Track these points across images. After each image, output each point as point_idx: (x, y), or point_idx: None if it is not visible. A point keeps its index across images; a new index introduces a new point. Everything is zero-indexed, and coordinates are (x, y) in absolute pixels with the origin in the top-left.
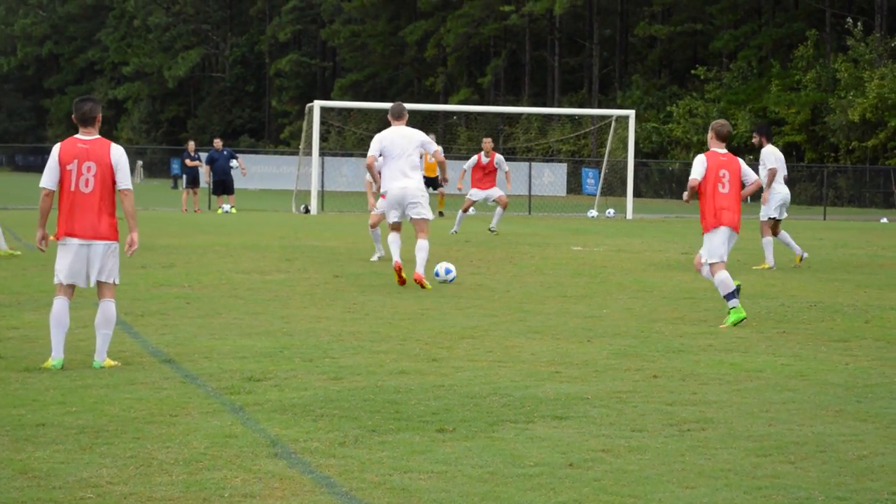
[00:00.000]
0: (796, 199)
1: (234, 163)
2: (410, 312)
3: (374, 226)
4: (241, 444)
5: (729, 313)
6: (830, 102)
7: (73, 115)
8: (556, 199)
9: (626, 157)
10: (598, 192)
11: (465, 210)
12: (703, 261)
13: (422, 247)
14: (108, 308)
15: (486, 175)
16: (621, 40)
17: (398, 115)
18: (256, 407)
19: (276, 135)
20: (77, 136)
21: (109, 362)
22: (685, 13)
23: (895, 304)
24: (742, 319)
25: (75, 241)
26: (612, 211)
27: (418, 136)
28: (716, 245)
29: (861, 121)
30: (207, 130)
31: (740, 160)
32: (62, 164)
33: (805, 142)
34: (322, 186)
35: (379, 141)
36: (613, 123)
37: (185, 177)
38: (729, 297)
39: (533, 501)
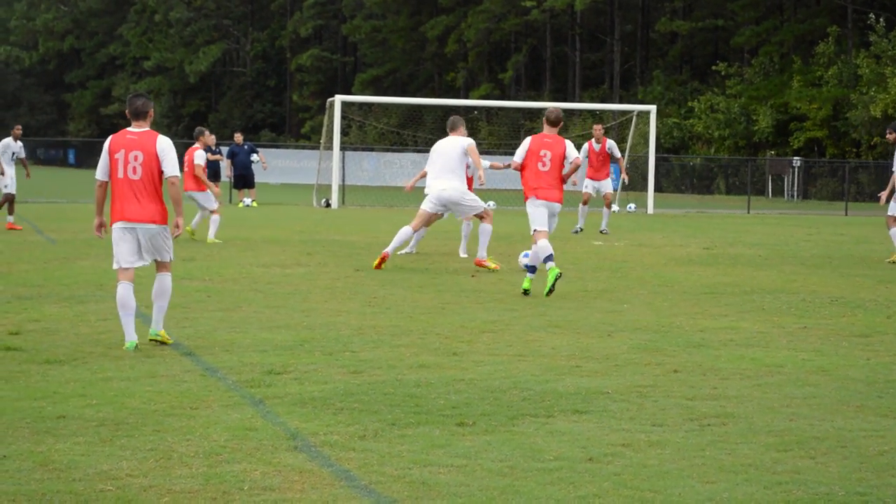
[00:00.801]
0: (817, 195)
1: (254, 157)
2: (431, 306)
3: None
4: (261, 437)
5: (548, 273)
6: (852, 98)
7: (126, 111)
8: (576, 193)
9: (647, 152)
10: (619, 187)
11: (585, 203)
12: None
13: (484, 230)
14: (163, 280)
15: (601, 164)
16: (642, 36)
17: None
18: (276, 400)
19: (297, 129)
20: (128, 129)
21: (164, 335)
22: (706, 9)
23: None
24: (558, 275)
25: (127, 224)
26: (633, 206)
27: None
28: (536, 216)
29: (883, 116)
30: (228, 125)
31: (568, 143)
32: (111, 153)
33: (826, 137)
34: (343, 181)
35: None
36: (634, 119)
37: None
38: (546, 259)
39: (552, 496)
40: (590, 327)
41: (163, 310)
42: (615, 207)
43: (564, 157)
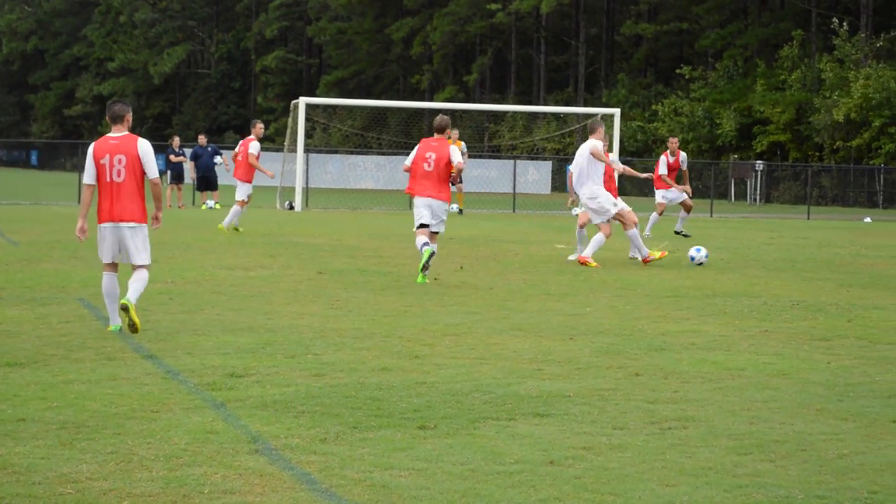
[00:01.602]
0: (780, 199)
1: (217, 159)
2: (393, 309)
3: (581, 226)
4: (222, 441)
5: (423, 253)
6: (815, 102)
7: (106, 115)
8: (540, 196)
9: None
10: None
11: (660, 214)
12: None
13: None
14: (141, 272)
15: (674, 174)
16: (607, 39)
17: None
18: (238, 403)
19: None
20: (109, 134)
21: (133, 310)
22: (671, 12)
23: (878, 303)
24: (431, 254)
25: (113, 224)
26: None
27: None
28: (417, 212)
29: (846, 120)
30: (192, 126)
31: (452, 148)
32: (96, 159)
33: (790, 141)
34: (307, 183)
35: None
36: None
37: (169, 173)
38: (422, 246)
39: (513, 499)
40: (552, 330)
41: (139, 291)
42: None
43: (449, 160)
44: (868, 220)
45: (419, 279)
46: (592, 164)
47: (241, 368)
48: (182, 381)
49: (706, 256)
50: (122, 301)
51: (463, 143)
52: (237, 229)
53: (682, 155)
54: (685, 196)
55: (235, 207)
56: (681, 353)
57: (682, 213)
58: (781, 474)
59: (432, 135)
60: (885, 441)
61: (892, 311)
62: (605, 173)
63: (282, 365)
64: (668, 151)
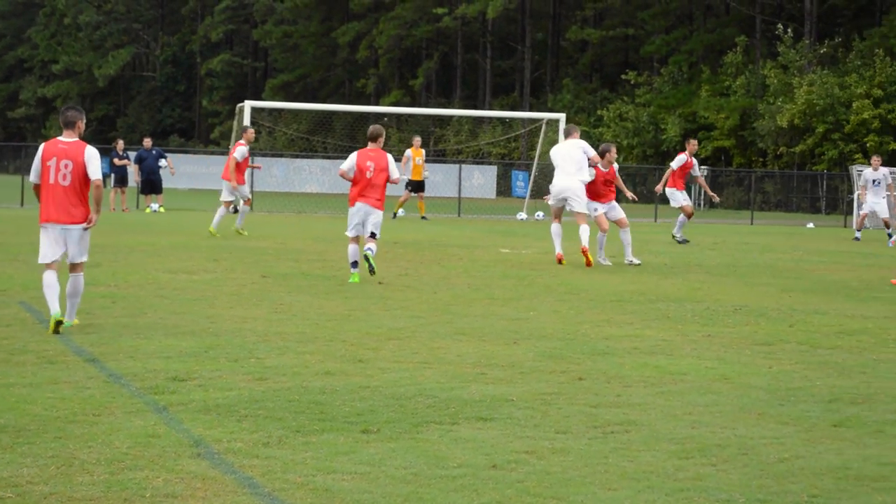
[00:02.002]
0: (724, 204)
1: (162, 162)
2: (337, 313)
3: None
4: (164, 444)
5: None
6: (759, 108)
7: (59, 120)
8: (485, 201)
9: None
10: (528, 195)
11: (690, 217)
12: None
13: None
14: (77, 280)
15: (684, 177)
16: (553, 44)
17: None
18: (180, 407)
19: (207, 134)
20: (60, 138)
21: (76, 321)
22: (617, 18)
23: (819, 308)
24: (369, 267)
25: (54, 226)
26: (541, 214)
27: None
28: (350, 220)
29: (789, 126)
30: (137, 129)
31: (389, 157)
32: (44, 160)
33: (734, 147)
34: (252, 186)
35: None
36: (544, 126)
37: (113, 176)
38: (353, 265)
39: (456, 503)
40: (495, 335)
41: (76, 305)
42: (522, 215)
43: (386, 168)
44: (811, 225)
45: (354, 279)
46: (581, 163)
47: (183, 372)
48: (124, 384)
49: None
50: (66, 324)
51: (423, 151)
52: (241, 232)
53: (696, 161)
54: (687, 201)
55: (222, 209)
56: (624, 357)
57: (682, 217)
58: (722, 478)
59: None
60: (824, 445)
61: (833, 316)
62: (600, 179)
63: (224, 369)
64: (687, 152)
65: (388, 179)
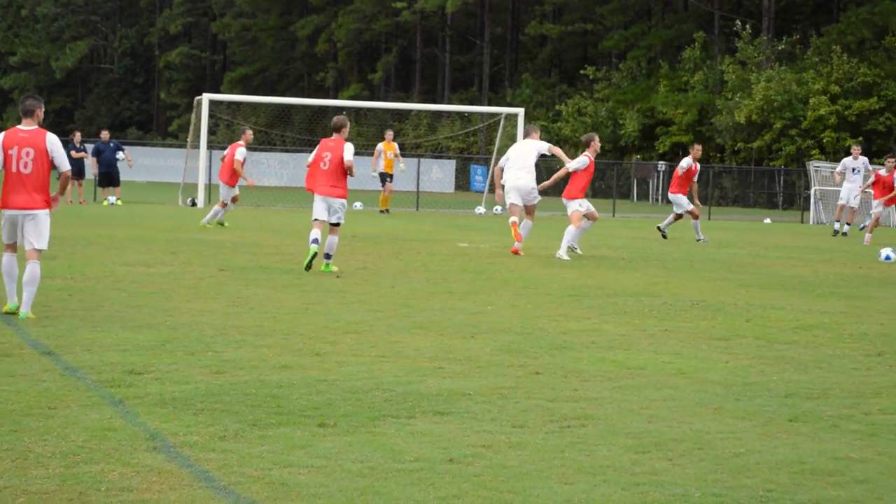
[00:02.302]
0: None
1: (120, 155)
2: (295, 307)
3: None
4: (120, 438)
5: (309, 251)
6: (717, 104)
7: (18, 108)
8: (444, 195)
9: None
10: (486, 190)
11: (697, 217)
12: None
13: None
14: (34, 268)
15: (689, 182)
16: (512, 38)
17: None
18: (136, 400)
19: (165, 127)
20: (19, 126)
21: (31, 315)
22: (576, 13)
23: (776, 303)
24: (314, 255)
25: (15, 212)
26: (499, 208)
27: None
28: (315, 207)
29: (747, 122)
30: (95, 122)
31: (346, 146)
32: (5, 149)
33: (692, 142)
34: (209, 180)
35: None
36: (503, 121)
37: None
38: (313, 242)
39: (412, 496)
40: (453, 329)
41: (32, 294)
42: (480, 209)
43: (343, 156)
44: (768, 220)
45: (324, 267)
46: (532, 165)
47: (140, 365)
48: (80, 377)
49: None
50: (21, 315)
51: (396, 145)
52: (223, 224)
53: (698, 167)
54: (692, 205)
55: (217, 207)
56: (581, 351)
57: (693, 221)
58: (679, 472)
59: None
60: (780, 440)
61: (789, 311)
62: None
63: (181, 362)
64: (692, 157)
65: (342, 163)
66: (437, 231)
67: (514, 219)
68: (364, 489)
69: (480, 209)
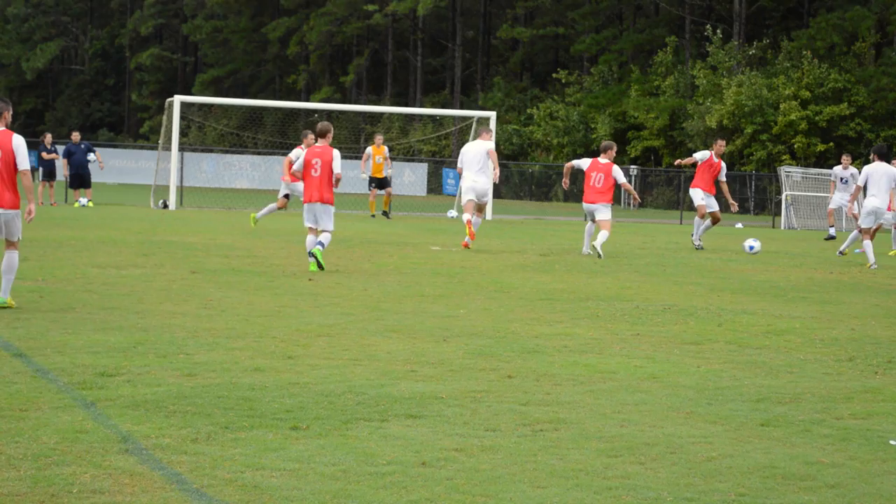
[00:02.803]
0: (653, 203)
1: (91, 156)
2: (267, 309)
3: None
4: (92, 440)
5: (310, 263)
6: (689, 108)
7: None
8: (416, 198)
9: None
10: (458, 193)
11: (703, 217)
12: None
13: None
14: (12, 257)
15: (713, 178)
16: (484, 42)
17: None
18: (108, 402)
19: (136, 129)
20: None
21: (11, 301)
22: (547, 17)
23: (747, 307)
24: (318, 263)
25: None
26: (452, 213)
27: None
28: (307, 217)
29: (718, 127)
30: (66, 123)
31: (335, 152)
32: None
33: (663, 147)
34: (181, 182)
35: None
36: (475, 124)
37: (41, 169)
38: (310, 255)
39: (385, 500)
40: (426, 332)
41: (10, 282)
42: (452, 213)
43: (332, 164)
44: (739, 225)
45: (311, 266)
46: (485, 164)
47: (111, 368)
48: (52, 379)
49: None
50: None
51: (386, 148)
52: (255, 222)
53: (724, 165)
54: (716, 207)
55: (273, 205)
56: (553, 355)
57: (708, 223)
58: (651, 476)
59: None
60: (752, 444)
61: (760, 315)
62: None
63: (153, 364)
64: (714, 152)
65: (331, 168)
66: (409, 234)
67: (467, 216)
68: (337, 492)
69: (452, 213)
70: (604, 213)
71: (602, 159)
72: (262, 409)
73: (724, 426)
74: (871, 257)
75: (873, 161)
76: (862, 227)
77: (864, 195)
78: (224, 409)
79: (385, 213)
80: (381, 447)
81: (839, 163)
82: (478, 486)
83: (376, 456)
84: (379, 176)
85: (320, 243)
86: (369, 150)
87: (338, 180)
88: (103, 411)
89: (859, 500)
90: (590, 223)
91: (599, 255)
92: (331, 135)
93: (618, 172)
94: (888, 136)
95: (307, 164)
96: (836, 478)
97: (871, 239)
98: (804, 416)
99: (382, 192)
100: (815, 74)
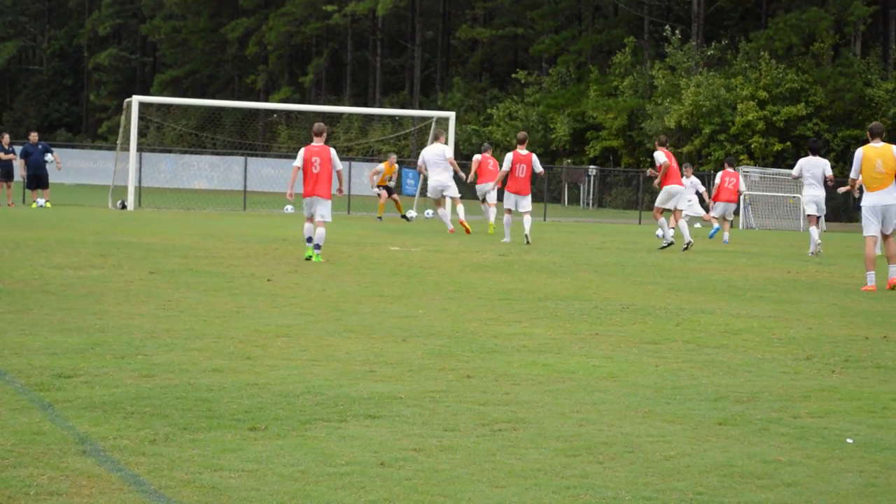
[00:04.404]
0: (612, 203)
1: (48, 157)
2: (225, 310)
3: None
4: (49, 442)
5: (312, 253)
6: (647, 108)
7: None
8: (375, 199)
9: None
10: (417, 193)
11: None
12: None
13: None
14: None
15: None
16: (443, 42)
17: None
18: (66, 404)
19: (94, 129)
20: None
21: None
22: (506, 17)
23: (705, 307)
24: (309, 257)
25: None
26: (430, 212)
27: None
28: (307, 210)
29: (677, 127)
30: (24, 123)
31: (331, 150)
32: None
33: (622, 147)
34: (139, 182)
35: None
36: (434, 125)
37: None
38: (308, 241)
39: (343, 500)
40: (385, 332)
41: None
42: (411, 213)
43: (330, 161)
44: (698, 226)
45: (314, 257)
46: (446, 163)
47: (69, 369)
48: (8, 381)
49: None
50: None
51: (397, 167)
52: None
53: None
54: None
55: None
56: (512, 355)
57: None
58: (609, 476)
59: (311, 140)
60: (710, 443)
61: (719, 315)
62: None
63: (111, 365)
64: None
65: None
66: (368, 234)
67: (441, 210)
68: (295, 493)
69: (411, 213)
70: (529, 200)
71: (522, 150)
72: (220, 410)
73: (682, 425)
74: (813, 246)
75: (807, 156)
76: (808, 214)
77: (804, 186)
78: (182, 410)
79: (403, 216)
80: (340, 447)
81: (794, 164)
82: (436, 486)
83: (335, 456)
84: (384, 184)
85: (318, 246)
86: (381, 167)
87: (339, 175)
88: (61, 412)
89: (816, 498)
90: (507, 216)
91: (528, 242)
92: (325, 134)
93: (537, 161)
94: (845, 137)
95: (307, 162)
96: (793, 476)
97: (815, 225)
98: (762, 414)
99: (390, 197)
100: (773, 75)
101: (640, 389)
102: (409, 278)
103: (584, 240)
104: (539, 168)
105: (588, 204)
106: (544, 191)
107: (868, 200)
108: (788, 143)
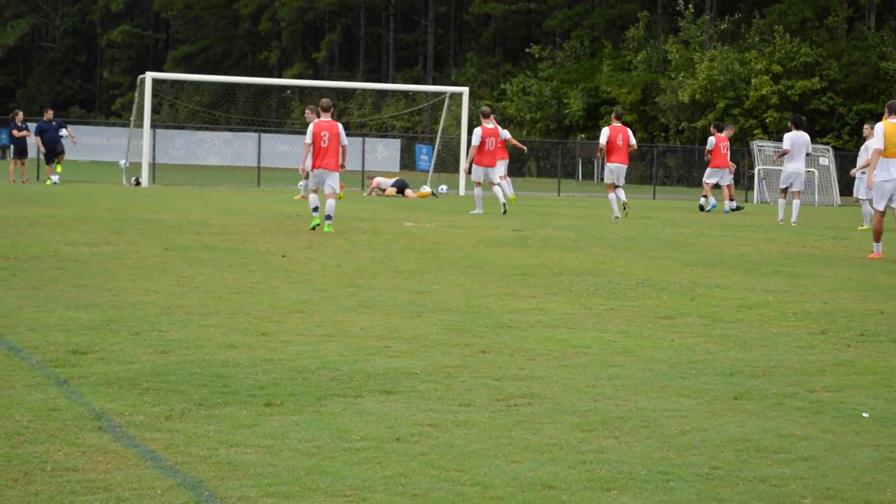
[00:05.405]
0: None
1: (63, 132)
2: (240, 286)
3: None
4: (66, 418)
5: (320, 221)
6: (661, 83)
7: None
8: (389, 174)
9: (459, 133)
10: (432, 169)
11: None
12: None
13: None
14: None
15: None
16: (456, 17)
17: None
18: (81, 380)
19: (108, 106)
20: None
21: None
22: None
23: (720, 282)
24: (316, 226)
25: None
26: (444, 187)
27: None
28: (312, 179)
29: (691, 101)
30: (37, 101)
31: (339, 125)
32: None
33: (636, 121)
34: (153, 159)
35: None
36: (447, 100)
37: (12, 147)
38: (314, 210)
39: (359, 475)
40: (399, 308)
41: None
42: (426, 188)
43: (339, 136)
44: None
45: (324, 227)
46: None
47: (84, 345)
48: (24, 357)
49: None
50: None
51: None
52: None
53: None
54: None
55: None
56: (527, 330)
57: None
58: (625, 450)
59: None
60: (725, 417)
61: (733, 289)
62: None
63: (126, 342)
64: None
65: (339, 140)
66: (382, 210)
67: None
68: (311, 468)
69: (426, 188)
70: (497, 170)
71: (489, 124)
72: (235, 386)
73: (697, 400)
74: (781, 214)
75: (791, 130)
76: (781, 187)
77: (789, 160)
78: (197, 385)
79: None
80: (355, 423)
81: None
82: (452, 462)
83: (350, 432)
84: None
85: (328, 216)
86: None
87: (344, 150)
88: (76, 389)
89: (832, 473)
90: (479, 189)
91: (505, 211)
92: (333, 109)
93: (505, 132)
94: (860, 110)
95: (317, 137)
96: (809, 450)
97: (794, 199)
98: (777, 389)
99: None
100: (787, 49)
101: (655, 364)
102: (423, 254)
103: (598, 214)
104: (507, 135)
105: (602, 179)
106: (558, 166)
107: (880, 175)
108: (803, 118)
